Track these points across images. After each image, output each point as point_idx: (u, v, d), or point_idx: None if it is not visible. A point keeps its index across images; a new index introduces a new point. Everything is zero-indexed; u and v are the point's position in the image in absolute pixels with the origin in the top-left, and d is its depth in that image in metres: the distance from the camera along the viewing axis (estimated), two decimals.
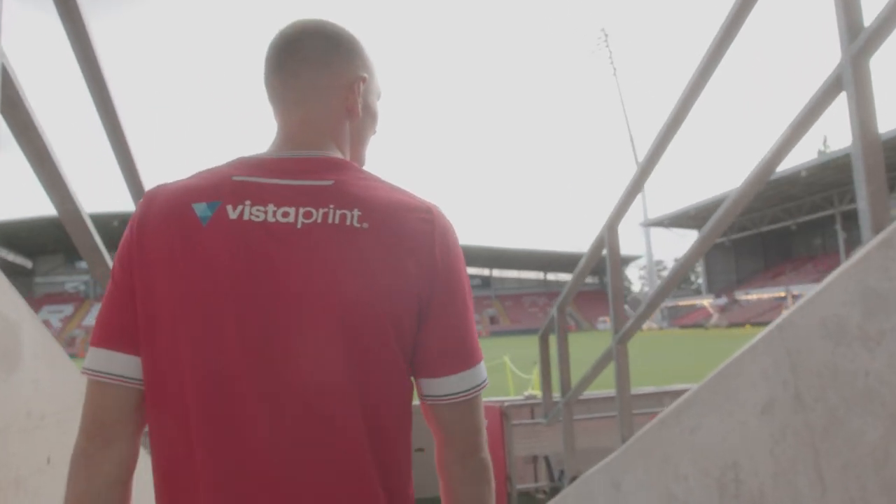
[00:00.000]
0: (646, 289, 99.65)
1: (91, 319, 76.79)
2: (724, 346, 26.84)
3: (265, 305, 0.83)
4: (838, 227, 61.77)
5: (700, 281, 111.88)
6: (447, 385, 0.91)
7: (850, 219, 67.10)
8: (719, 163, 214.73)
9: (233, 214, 0.85)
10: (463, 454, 0.93)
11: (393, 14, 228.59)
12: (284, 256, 0.84)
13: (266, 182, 0.88)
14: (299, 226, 0.85)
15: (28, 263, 68.13)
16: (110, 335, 0.87)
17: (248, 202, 0.86)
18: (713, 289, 77.31)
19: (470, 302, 0.94)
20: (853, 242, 68.99)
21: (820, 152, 62.57)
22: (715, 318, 63.30)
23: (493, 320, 76.10)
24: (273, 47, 0.98)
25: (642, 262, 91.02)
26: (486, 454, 0.95)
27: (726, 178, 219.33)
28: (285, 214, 0.85)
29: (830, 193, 61.23)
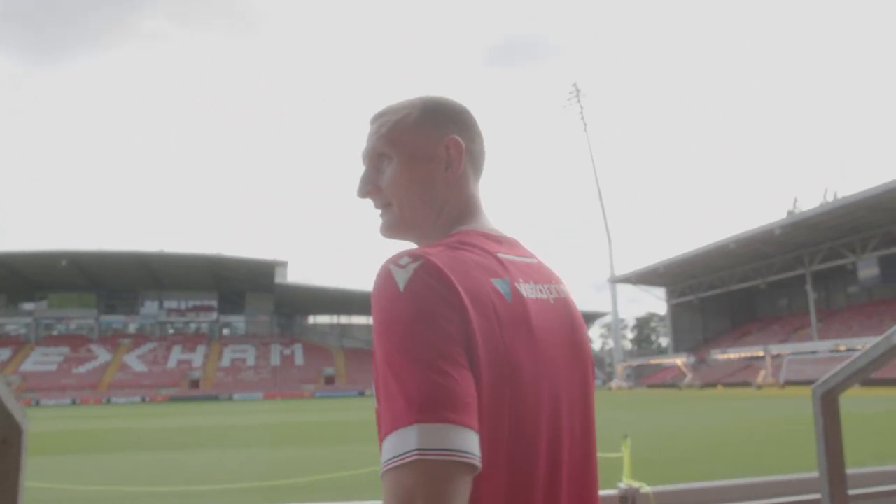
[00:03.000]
0: (607, 347, 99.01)
1: (32, 364, 71.13)
2: (742, 406, 25.61)
3: (566, 378, 0.90)
4: (809, 287, 61.78)
5: (661, 340, 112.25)
6: None
7: (820, 279, 67.74)
8: (686, 221, 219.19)
9: (524, 291, 0.89)
10: None
11: (349, 73, 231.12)
12: (556, 330, 0.91)
13: (516, 260, 0.94)
14: (552, 301, 0.93)
15: None
16: (466, 410, 0.76)
17: (520, 279, 0.90)
18: (680, 348, 76.74)
19: None
20: (822, 303, 69.60)
21: (789, 212, 63.28)
22: (689, 377, 61.86)
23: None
24: (477, 124, 1.06)
25: (606, 319, 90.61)
26: None
27: (694, 236, 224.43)
28: (540, 290, 0.92)
29: (801, 253, 61.16)
